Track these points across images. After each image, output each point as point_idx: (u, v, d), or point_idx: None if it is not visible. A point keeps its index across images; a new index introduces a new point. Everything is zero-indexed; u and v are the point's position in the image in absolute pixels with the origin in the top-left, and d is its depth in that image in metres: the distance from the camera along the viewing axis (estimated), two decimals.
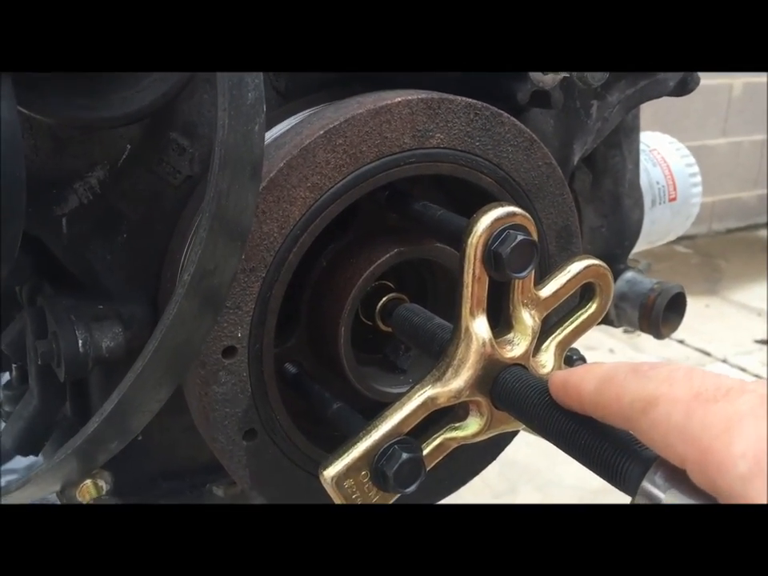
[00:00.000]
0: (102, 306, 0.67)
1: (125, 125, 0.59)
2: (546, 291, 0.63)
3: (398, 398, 0.61)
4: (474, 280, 0.59)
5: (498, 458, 0.81)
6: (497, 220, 0.58)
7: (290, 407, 0.69)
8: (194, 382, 0.63)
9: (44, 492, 0.69)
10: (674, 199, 1.27)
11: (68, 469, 0.65)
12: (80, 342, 0.62)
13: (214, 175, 0.52)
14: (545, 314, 0.63)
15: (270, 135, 0.67)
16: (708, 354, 3.43)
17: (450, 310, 0.70)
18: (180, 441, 0.78)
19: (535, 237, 0.59)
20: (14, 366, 0.87)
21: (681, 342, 3.48)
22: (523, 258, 0.58)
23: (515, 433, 0.74)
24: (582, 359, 0.89)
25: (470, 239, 0.58)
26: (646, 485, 0.46)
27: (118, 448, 0.63)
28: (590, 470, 0.53)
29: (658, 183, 1.25)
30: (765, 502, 0.35)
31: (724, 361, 3.37)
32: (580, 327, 0.65)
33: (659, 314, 1.13)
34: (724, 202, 4.85)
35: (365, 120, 0.63)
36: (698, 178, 1.30)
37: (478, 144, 0.69)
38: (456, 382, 0.60)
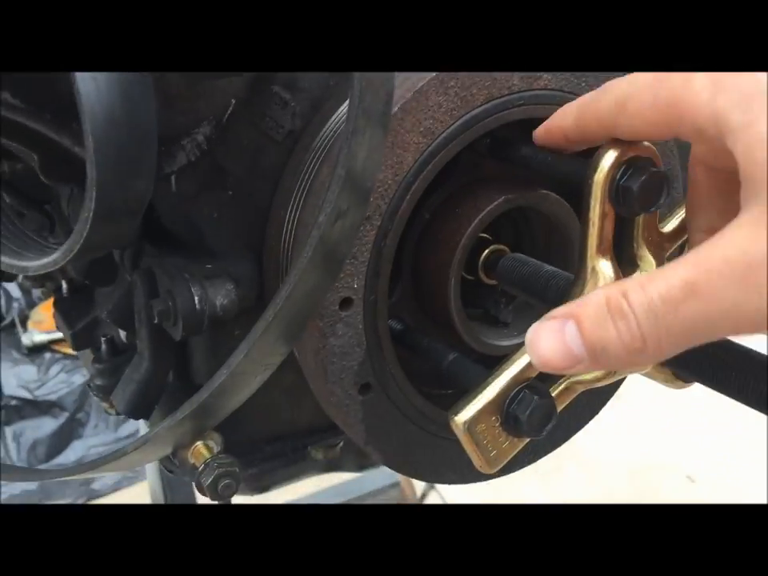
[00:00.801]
0: (210, 266, 0.66)
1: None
2: (670, 226, 0.61)
3: (508, 349, 0.60)
4: (601, 217, 0.57)
5: None
6: (624, 152, 0.56)
7: (403, 363, 0.68)
8: (311, 335, 0.62)
9: (157, 455, 0.69)
10: None
11: (183, 430, 0.64)
12: (196, 298, 0.62)
13: (347, 132, 0.50)
14: (668, 254, 0.62)
15: None
16: None
17: (549, 260, 0.69)
18: (280, 402, 0.77)
19: (663, 169, 0.57)
20: (102, 339, 0.86)
21: None
22: (653, 192, 0.56)
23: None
24: None
25: (596, 175, 0.57)
26: None
27: (232, 409, 0.62)
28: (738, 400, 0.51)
29: None
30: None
31: None
32: None
33: None
34: None
35: None
36: None
37: (584, 85, 0.67)
38: None
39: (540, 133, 0.59)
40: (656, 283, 0.42)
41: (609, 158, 0.56)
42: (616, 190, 0.56)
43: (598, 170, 0.56)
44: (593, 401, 0.77)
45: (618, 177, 0.56)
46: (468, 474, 0.72)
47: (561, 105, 0.66)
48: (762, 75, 0.44)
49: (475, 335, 0.71)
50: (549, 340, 0.46)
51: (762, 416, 0.46)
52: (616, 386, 0.75)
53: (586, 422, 0.77)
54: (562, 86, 0.66)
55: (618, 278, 0.58)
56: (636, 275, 0.49)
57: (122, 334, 0.82)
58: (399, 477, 2.34)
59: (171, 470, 0.76)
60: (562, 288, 0.63)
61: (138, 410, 0.69)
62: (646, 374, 0.63)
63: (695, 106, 0.45)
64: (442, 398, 0.71)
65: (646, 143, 0.57)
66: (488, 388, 0.57)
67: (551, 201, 0.70)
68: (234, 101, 0.64)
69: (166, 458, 0.73)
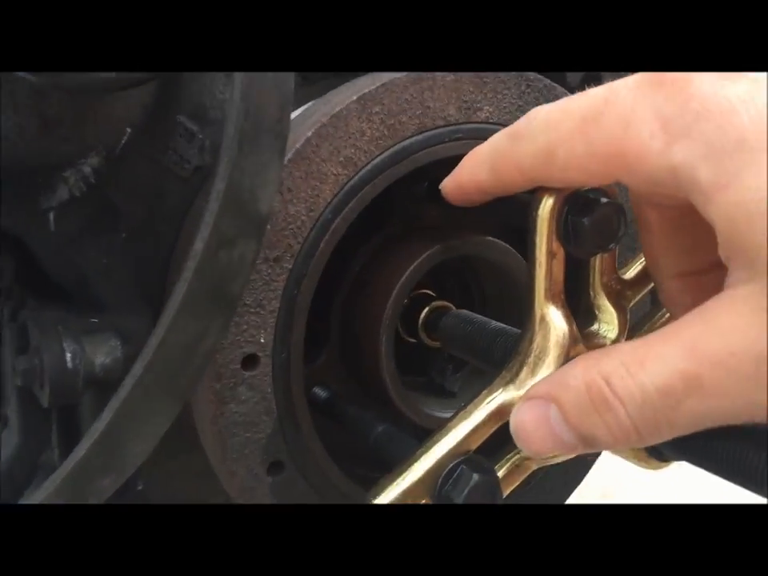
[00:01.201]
0: (96, 320, 0.56)
1: (123, 88, 0.50)
2: (632, 272, 0.52)
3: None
4: (549, 257, 0.48)
5: None
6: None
7: (322, 437, 0.57)
8: (207, 399, 0.52)
9: None
10: None
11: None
12: (68, 356, 0.51)
13: (228, 138, 0.42)
14: (631, 304, 0.52)
15: (293, 114, 0.58)
16: None
17: (502, 316, 0.59)
18: (188, 490, 0.65)
19: (620, 200, 0.48)
20: None
21: None
22: (608, 227, 0.48)
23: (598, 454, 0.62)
24: None
25: (540, 208, 0.48)
26: None
27: (113, 487, 0.51)
28: (732, 481, 0.41)
29: None
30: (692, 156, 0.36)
31: None
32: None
33: None
34: None
35: (404, 86, 0.54)
36: None
37: None
38: (533, 383, 0.48)
39: (450, 188, 0.50)
40: (648, 371, 0.38)
41: (554, 190, 0.48)
42: (565, 226, 0.48)
43: (542, 203, 0.48)
44: (569, 474, 0.66)
45: (566, 210, 0.48)
46: None
47: None
48: (723, 118, 0.36)
49: (414, 405, 0.61)
50: (535, 427, 0.42)
51: None
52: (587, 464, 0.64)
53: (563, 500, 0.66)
54: (506, 120, 0.58)
55: (571, 329, 0.49)
56: (614, 352, 0.40)
57: None
58: None
59: None
60: (510, 345, 0.54)
61: (4, 494, 0.57)
62: (619, 454, 0.53)
63: (645, 157, 0.39)
64: (370, 481, 0.60)
65: None
66: (416, 464, 0.46)
67: (498, 249, 0.61)
68: (129, 129, 0.55)
69: None
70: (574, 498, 0.67)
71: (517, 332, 0.56)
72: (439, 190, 0.62)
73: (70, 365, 0.51)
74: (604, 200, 0.47)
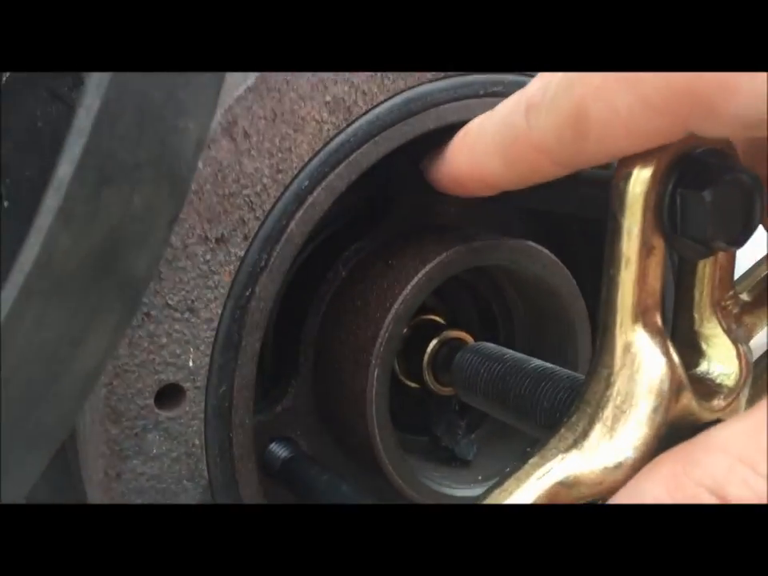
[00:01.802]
0: None
1: None
2: (754, 294, 0.35)
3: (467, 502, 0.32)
4: (643, 254, 0.31)
5: None
6: (682, 143, 0.31)
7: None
8: (98, 452, 0.33)
9: None
10: None
11: None
12: None
13: None
14: (750, 337, 0.35)
15: None
16: None
17: (540, 352, 0.42)
18: None
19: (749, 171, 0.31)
20: None
21: None
22: (737, 209, 0.31)
23: None
24: None
25: (631, 181, 0.31)
26: None
27: None
28: None
29: None
30: None
31: None
32: None
33: None
34: None
35: None
36: None
37: None
38: (612, 450, 0.30)
39: (444, 182, 0.38)
40: None
41: (655, 153, 0.31)
42: (670, 205, 0.30)
43: (634, 173, 0.31)
44: None
45: (672, 184, 0.31)
46: None
47: None
48: None
49: (412, 477, 0.42)
50: None
51: None
52: None
53: None
54: None
55: (673, 366, 0.31)
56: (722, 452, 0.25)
57: None
58: None
59: None
60: (564, 393, 0.36)
61: None
62: None
63: (729, 88, 0.27)
64: None
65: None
66: None
67: (538, 257, 0.43)
68: None
69: None
70: None
71: (571, 374, 0.38)
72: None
73: None
74: (732, 166, 0.30)
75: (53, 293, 0.24)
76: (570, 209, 0.41)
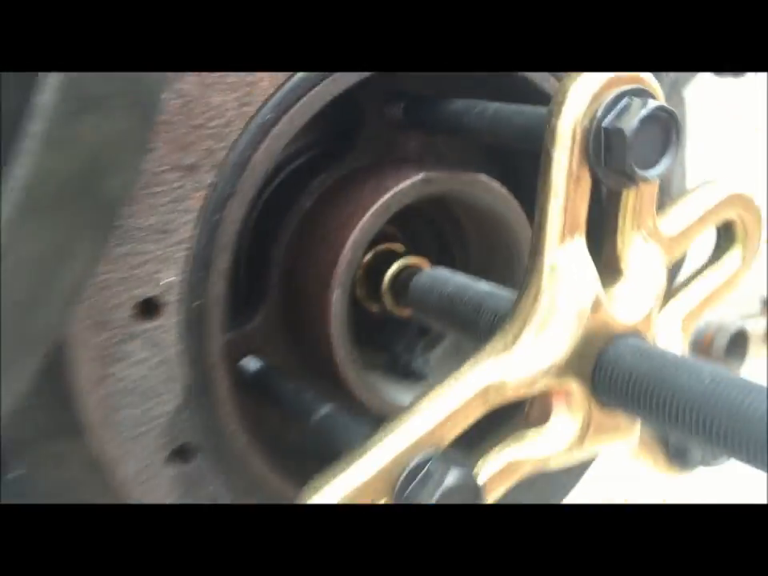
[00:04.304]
0: None
1: None
2: (673, 225, 0.39)
3: None
4: (569, 181, 0.35)
5: None
6: (609, 81, 0.35)
7: (246, 419, 0.43)
8: (88, 357, 0.37)
9: None
10: None
11: None
12: None
13: None
14: (672, 262, 0.39)
15: None
16: None
17: (490, 276, 0.46)
18: (83, 480, 0.50)
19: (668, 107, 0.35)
20: None
21: None
22: (655, 143, 0.34)
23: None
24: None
25: (562, 111, 0.35)
26: None
27: None
28: None
29: None
30: None
31: None
32: (722, 287, 0.41)
33: (720, 353, 0.90)
34: None
35: None
36: None
37: None
38: (537, 355, 0.35)
39: None
40: None
41: (584, 85, 0.34)
42: (596, 136, 0.34)
43: (565, 104, 0.34)
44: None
45: (599, 115, 0.34)
46: None
47: None
48: None
49: (372, 388, 0.47)
50: None
51: None
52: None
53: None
54: None
55: (597, 281, 0.35)
56: None
57: None
58: None
59: None
60: (504, 309, 0.40)
61: None
62: (629, 454, 0.40)
63: None
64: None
65: (640, 74, 0.36)
66: (371, 455, 0.33)
67: (490, 189, 0.47)
68: None
69: None
70: None
71: (511, 293, 0.42)
72: (419, 114, 0.49)
73: None
74: (653, 102, 0.34)
75: (41, 210, 0.28)
76: (517, 143, 0.45)
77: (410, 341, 0.53)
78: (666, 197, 0.88)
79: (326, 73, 0.40)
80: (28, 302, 0.31)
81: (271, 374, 0.47)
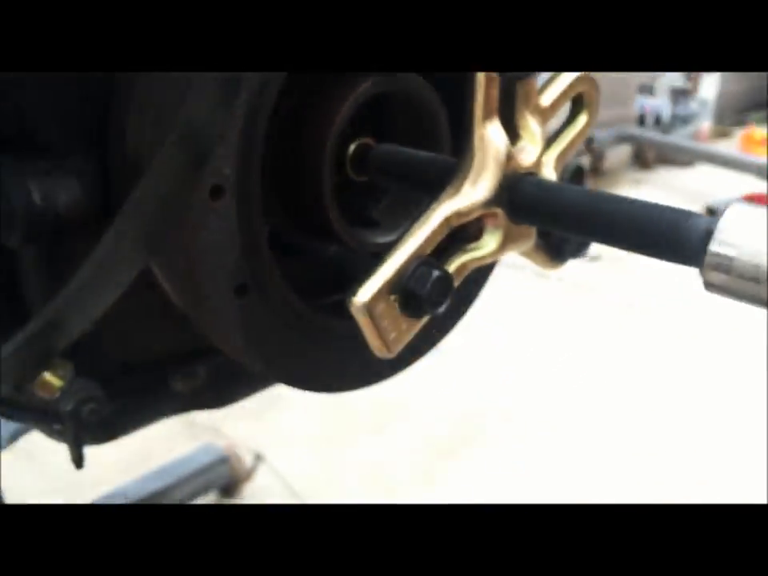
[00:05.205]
0: (44, 162, 0.56)
1: None
2: (547, 99, 0.61)
3: (385, 247, 0.57)
4: (487, 80, 0.55)
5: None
6: None
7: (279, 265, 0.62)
8: (181, 228, 0.55)
9: None
10: None
11: (27, 355, 0.55)
12: (37, 195, 0.52)
13: None
14: (546, 123, 0.61)
15: None
16: None
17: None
18: (137, 328, 0.68)
19: None
20: None
21: None
22: None
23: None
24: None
25: None
26: (714, 248, 0.46)
27: (80, 329, 0.54)
28: (645, 253, 0.51)
29: None
30: None
31: None
32: (575, 139, 0.64)
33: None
34: None
35: None
36: None
37: None
38: (475, 193, 0.56)
39: None
40: None
41: None
42: None
43: None
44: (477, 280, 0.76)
45: None
46: (350, 380, 0.69)
47: None
48: None
49: (351, 233, 0.67)
50: None
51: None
52: (491, 267, 0.74)
53: (467, 308, 0.76)
54: None
55: (506, 146, 0.57)
56: None
57: None
58: (227, 453, 2.25)
59: (9, 413, 0.65)
60: (446, 169, 0.61)
61: None
62: (525, 255, 0.63)
63: None
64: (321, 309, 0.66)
65: None
66: (384, 267, 0.53)
67: (419, 83, 0.67)
68: None
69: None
70: None
71: (448, 158, 0.63)
72: None
73: (39, 203, 0.52)
74: None
75: (177, 152, 0.44)
76: None
77: (368, 198, 0.73)
78: None
79: None
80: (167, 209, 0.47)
81: (282, 232, 0.66)
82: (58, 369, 0.59)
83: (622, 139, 5.36)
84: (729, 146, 5.64)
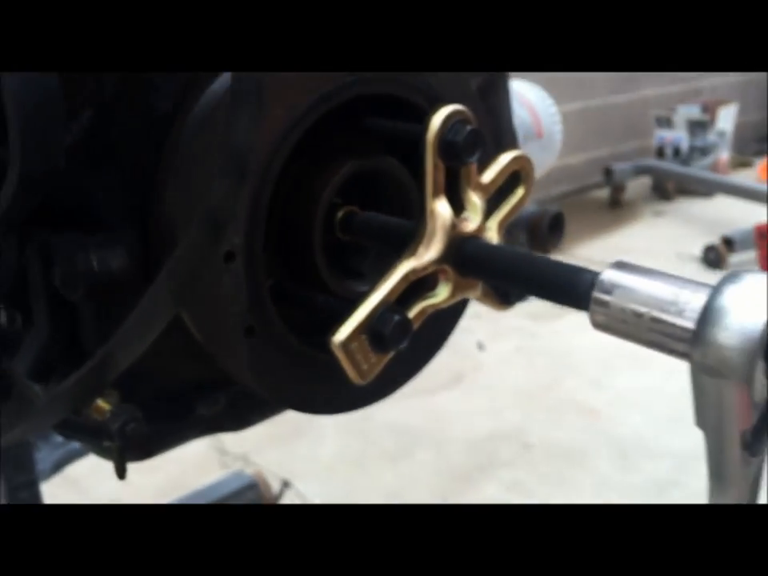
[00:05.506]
0: (101, 236, 0.74)
1: None
2: (487, 178, 0.77)
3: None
4: (434, 168, 0.72)
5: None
6: (449, 116, 0.71)
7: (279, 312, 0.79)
8: (202, 285, 0.72)
9: (59, 414, 0.76)
10: (541, 136, 1.47)
11: (86, 385, 0.72)
12: (95, 263, 0.69)
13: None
14: (487, 198, 0.77)
15: None
16: None
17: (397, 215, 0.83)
18: (169, 362, 0.85)
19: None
20: None
21: None
22: (472, 145, 0.72)
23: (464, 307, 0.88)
24: None
25: (428, 133, 0.71)
26: (596, 294, 0.61)
27: (126, 366, 0.70)
28: (550, 299, 0.67)
29: (525, 122, 1.44)
30: None
31: None
32: (513, 208, 0.80)
33: (545, 231, 1.32)
34: (557, 168, 5.28)
35: None
36: (558, 117, 1.50)
37: None
38: (428, 254, 0.72)
39: None
40: None
41: (438, 118, 0.71)
42: (444, 145, 0.71)
43: (430, 129, 0.71)
44: (442, 327, 0.91)
45: (445, 134, 0.71)
46: (340, 403, 0.85)
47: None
48: None
49: (339, 284, 0.84)
50: None
51: None
52: (460, 310, 0.90)
53: (439, 348, 0.91)
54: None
55: (452, 215, 0.73)
56: None
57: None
58: (256, 479, 2.41)
59: (68, 433, 0.82)
60: (409, 233, 0.77)
61: (41, 374, 0.75)
62: (478, 300, 0.79)
63: None
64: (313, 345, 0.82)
65: (465, 108, 0.73)
66: (357, 312, 0.70)
67: (393, 164, 0.84)
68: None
69: (62, 421, 0.79)
70: None
71: (411, 224, 0.80)
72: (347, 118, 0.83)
73: (97, 269, 0.69)
74: (469, 127, 0.71)
75: (202, 232, 0.62)
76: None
77: (354, 255, 0.89)
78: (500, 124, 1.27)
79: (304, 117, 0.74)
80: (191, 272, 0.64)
81: (282, 285, 0.82)
82: (108, 396, 0.76)
83: (642, 171, 5.50)
84: (749, 176, 5.74)
